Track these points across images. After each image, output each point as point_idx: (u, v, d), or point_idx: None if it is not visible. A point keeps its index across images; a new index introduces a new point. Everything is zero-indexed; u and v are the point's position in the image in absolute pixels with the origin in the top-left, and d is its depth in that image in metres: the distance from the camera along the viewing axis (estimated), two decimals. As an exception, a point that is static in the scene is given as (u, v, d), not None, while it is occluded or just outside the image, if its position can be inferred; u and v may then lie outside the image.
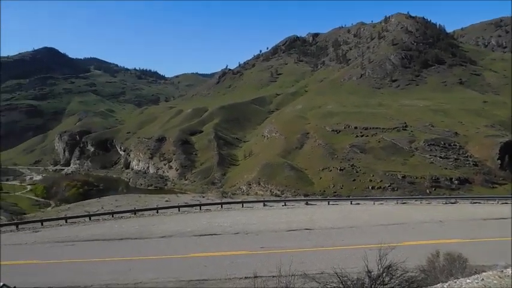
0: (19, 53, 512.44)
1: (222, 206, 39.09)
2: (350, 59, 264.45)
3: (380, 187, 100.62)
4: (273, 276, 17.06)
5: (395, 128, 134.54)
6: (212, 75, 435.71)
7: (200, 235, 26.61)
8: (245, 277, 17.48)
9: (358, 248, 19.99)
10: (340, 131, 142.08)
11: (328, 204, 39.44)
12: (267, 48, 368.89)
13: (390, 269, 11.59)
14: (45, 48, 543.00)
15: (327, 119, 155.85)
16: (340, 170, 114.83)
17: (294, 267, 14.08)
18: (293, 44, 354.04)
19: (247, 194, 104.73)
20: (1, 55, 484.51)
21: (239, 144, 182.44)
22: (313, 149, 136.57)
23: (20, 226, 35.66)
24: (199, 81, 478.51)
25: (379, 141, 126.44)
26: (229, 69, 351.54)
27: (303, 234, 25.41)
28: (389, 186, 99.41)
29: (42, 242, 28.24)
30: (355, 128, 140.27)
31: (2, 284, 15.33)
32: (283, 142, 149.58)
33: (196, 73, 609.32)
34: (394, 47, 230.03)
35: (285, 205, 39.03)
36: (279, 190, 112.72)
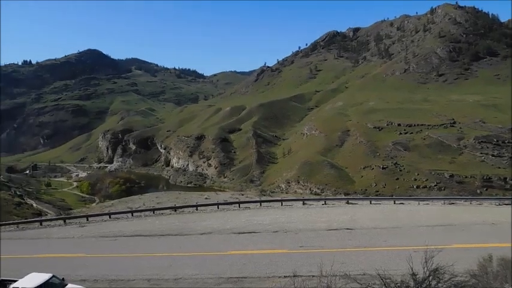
0: (65, 56, 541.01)
1: (261, 204, 39.14)
2: (393, 54, 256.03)
3: (425, 186, 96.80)
4: (313, 276, 16.84)
5: (442, 124, 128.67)
6: (250, 73, 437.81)
7: (239, 233, 26.76)
8: (284, 276, 17.36)
9: (402, 249, 19.30)
10: (382, 128, 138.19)
11: (370, 203, 38.40)
12: (306, 45, 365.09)
13: (437, 272, 11.07)
14: (90, 50, 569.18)
15: (369, 115, 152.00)
16: (382, 168, 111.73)
17: (334, 267, 13.83)
18: (333, 40, 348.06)
19: (286, 192, 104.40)
20: (49, 58, 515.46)
21: (278, 142, 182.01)
22: (354, 147, 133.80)
23: (67, 221, 37.60)
24: (237, 79, 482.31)
25: (424, 139, 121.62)
26: (268, 67, 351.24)
27: (343, 234, 24.88)
28: (435, 185, 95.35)
29: (88, 237, 29.60)
30: (399, 125, 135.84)
31: (51, 275, 16.24)
32: (323, 140, 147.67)
33: (235, 71, 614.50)
34: (441, 40, 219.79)
35: (325, 204, 38.45)
36: (318, 188, 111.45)
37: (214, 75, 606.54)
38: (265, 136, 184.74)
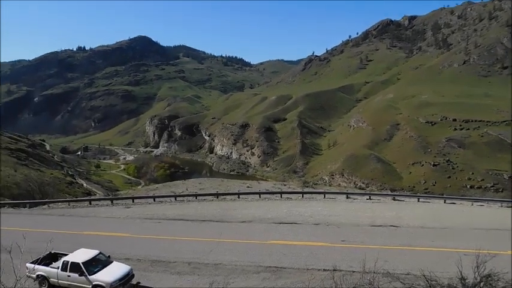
0: (117, 42, 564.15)
1: (303, 196, 38.92)
2: (452, 44, 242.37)
3: (480, 187, 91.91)
4: (353, 272, 16.60)
5: (505, 121, 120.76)
6: (298, 62, 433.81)
7: (280, 223, 26.83)
8: (324, 269, 17.25)
9: (451, 251, 18.49)
10: (435, 123, 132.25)
11: (418, 201, 36.98)
12: (357, 34, 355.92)
13: (490, 278, 10.48)
14: (140, 37, 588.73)
15: (421, 109, 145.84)
16: (433, 165, 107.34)
17: (377, 264, 13.51)
18: (386, 29, 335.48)
19: (330, 185, 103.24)
20: (101, 44, 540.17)
21: (323, 134, 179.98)
22: (403, 142, 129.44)
23: (114, 201, 39.51)
24: (284, 68, 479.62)
25: (482, 136, 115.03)
26: (316, 56, 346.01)
27: (388, 231, 24.21)
28: (492, 186, 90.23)
29: (133, 218, 30.95)
30: (454, 120, 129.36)
31: (98, 251, 17.21)
32: (370, 133, 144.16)
33: (282, 60, 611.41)
34: (509, 29, 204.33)
35: (370, 199, 37.53)
36: (363, 183, 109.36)
37: (261, 63, 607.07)
38: (310, 127, 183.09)
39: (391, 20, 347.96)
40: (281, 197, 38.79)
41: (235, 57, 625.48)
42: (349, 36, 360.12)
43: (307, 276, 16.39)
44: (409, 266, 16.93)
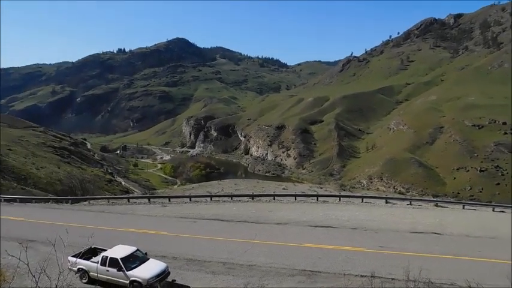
0: (155, 44, 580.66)
1: (340, 199, 38.30)
2: (502, 43, 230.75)
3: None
4: (392, 279, 16.14)
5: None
6: (335, 63, 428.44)
7: (315, 226, 26.53)
8: (361, 275, 16.87)
9: (501, 263, 17.57)
10: (483, 126, 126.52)
11: (463, 208, 35.39)
12: (398, 34, 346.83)
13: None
14: (177, 38, 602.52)
15: (467, 112, 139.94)
16: (480, 171, 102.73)
17: (418, 272, 13.09)
18: (429, 28, 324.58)
19: (368, 189, 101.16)
20: (140, 46, 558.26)
21: (361, 136, 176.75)
22: (447, 146, 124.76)
23: (151, 200, 40.56)
24: (321, 69, 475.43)
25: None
26: (355, 57, 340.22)
27: (430, 238, 23.34)
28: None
29: (169, 216, 31.63)
30: (504, 123, 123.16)
31: (136, 248, 17.70)
32: (411, 136, 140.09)
33: (319, 61, 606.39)
34: None
35: (410, 204, 36.35)
36: (403, 188, 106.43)
37: (298, 64, 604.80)
38: (348, 129, 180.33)
39: (434, 19, 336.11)
40: (317, 200, 38.34)
41: (272, 58, 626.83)
42: (390, 37, 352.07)
43: (344, 282, 16.10)
44: (454, 276, 16.25)
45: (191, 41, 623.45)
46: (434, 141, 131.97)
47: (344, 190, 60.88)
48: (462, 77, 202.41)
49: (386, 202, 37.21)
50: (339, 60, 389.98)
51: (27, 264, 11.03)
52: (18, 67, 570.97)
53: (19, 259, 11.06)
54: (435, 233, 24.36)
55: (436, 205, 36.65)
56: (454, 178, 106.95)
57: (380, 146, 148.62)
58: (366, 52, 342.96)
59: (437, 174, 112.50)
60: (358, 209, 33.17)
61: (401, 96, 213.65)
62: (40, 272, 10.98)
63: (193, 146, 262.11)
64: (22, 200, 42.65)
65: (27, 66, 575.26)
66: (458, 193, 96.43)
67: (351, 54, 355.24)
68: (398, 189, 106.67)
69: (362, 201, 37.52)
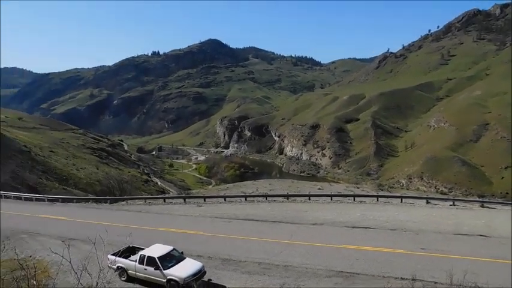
0: (188, 46, 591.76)
1: (377, 199, 37.45)
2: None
3: None
4: (435, 283, 15.64)
5: None
6: (371, 59, 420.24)
7: (353, 227, 26.09)
8: (401, 278, 16.43)
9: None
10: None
11: (512, 209, 33.73)
12: (438, 27, 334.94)
13: None
14: (210, 40, 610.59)
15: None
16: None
17: (462, 276, 12.61)
18: (472, 20, 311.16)
19: (407, 189, 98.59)
20: (174, 48, 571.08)
21: (399, 134, 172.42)
22: (493, 143, 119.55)
23: (186, 200, 41.31)
24: (356, 67, 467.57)
25: None
26: (391, 53, 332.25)
27: (475, 241, 22.37)
28: None
29: (204, 216, 32.07)
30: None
31: (172, 247, 18.08)
32: (453, 133, 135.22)
33: (354, 58, 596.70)
34: None
35: (454, 205, 35.00)
36: (445, 187, 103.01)
37: (332, 62, 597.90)
38: (385, 127, 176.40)
39: (478, 10, 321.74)
40: (354, 200, 37.72)
41: (305, 56, 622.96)
42: (429, 31, 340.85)
43: (383, 284, 15.74)
44: (503, 281, 15.51)
45: (224, 41, 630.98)
46: (479, 139, 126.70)
47: (382, 190, 59.58)
48: (509, 70, 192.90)
49: (428, 202, 36.03)
50: (375, 57, 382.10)
51: (70, 262, 11.48)
52: (58, 72, 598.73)
53: (62, 256, 11.54)
54: (481, 235, 23.32)
55: (482, 206, 35.12)
56: (502, 177, 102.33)
57: (420, 145, 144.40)
58: (404, 48, 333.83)
59: (483, 174, 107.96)
60: (397, 210, 32.33)
61: (441, 93, 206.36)
62: (82, 269, 11.40)
63: (227, 146, 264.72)
64: (64, 200, 44.64)
65: (67, 71, 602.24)
66: (507, 193, 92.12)
67: (388, 50, 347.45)
68: (440, 189, 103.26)
69: (401, 201, 36.53)
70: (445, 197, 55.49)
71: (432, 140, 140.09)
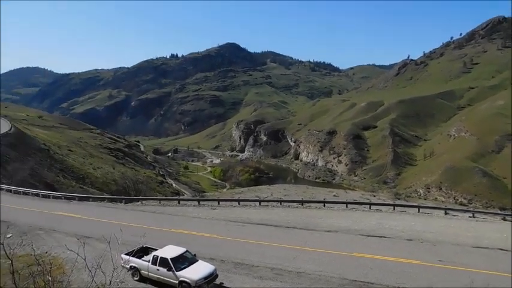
0: (206, 49, 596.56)
1: (394, 208, 36.91)
2: None
3: None
4: (453, 296, 15.29)
5: None
6: (391, 66, 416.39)
7: (368, 235, 25.76)
8: (418, 289, 16.15)
9: None
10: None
11: (535, 223, 32.81)
12: (460, 35, 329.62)
13: None
14: (228, 44, 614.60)
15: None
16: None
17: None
18: (497, 27, 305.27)
19: (425, 199, 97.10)
20: (192, 51, 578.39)
21: (418, 143, 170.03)
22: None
23: (201, 203, 41.47)
24: (375, 73, 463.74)
25: None
26: (412, 60, 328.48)
27: (496, 255, 21.80)
28: None
29: (218, 219, 32.11)
30: None
31: (185, 249, 18.18)
32: (474, 143, 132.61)
33: (373, 64, 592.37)
34: None
35: (473, 217, 34.20)
36: (465, 198, 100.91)
37: (351, 68, 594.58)
38: (403, 135, 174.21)
39: (504, 18, 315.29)
40: (370, 208, 37.24)
41: (324, 62, 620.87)
42: (451, 38, 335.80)
43: (398, 295, 15.50)
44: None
45: (242, 45, 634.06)
46: (502, 150, 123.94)
47: (399, 199, 58.80)
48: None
49: (446, 213, 35.32)
50: (395, 64, 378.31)
51: (85, 260, 11.65)
52: (78, 72, 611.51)
53: (77, 254, 11.72)
54: (503, 250, 22.73)
55: (504, 219, 34.24)
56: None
57: (439, 154, 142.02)
58: (425, 55, 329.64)
59: (505, 185, 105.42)
60: (414, 220, 31.80)
61: (463, 101, 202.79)
62: (96, 267, 11.55)
63: (242, 150, 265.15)
64: (80, 198, 45.39)
65: (86, 71, 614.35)
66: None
67: (408, 57, 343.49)
68: (459, 200, 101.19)
69: (418, 211, 35.92)
70: (465, 208, 54.32)
71: (452, 150, 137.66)
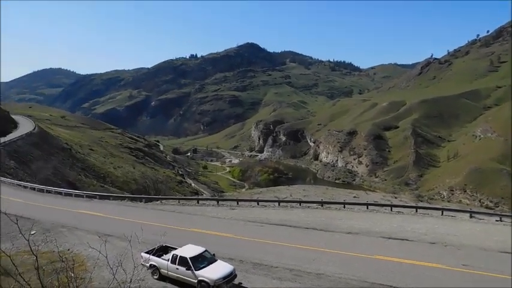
0: (225, 50, 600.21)
1: (416, 210, 36.27)
2: None
3: None
4: (478, 301, 14.94)
5: None
6: (413, 65, 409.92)
7: (389, 238, 25.39)
8: (441, 294, 15.84)
9: None
10: None
11: None
12: (487, 32, 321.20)
13: None
14: (247, 44, 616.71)
15: None
16: None
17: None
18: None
19: (448, 201, 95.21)
20: (211, 52, 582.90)
21: (441, 144, 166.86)
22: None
23: (220, 202, 41.66)
24: (397, 73, 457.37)
25: None
26: (435, 59, 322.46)
27: (523, 260, 21.19)
28: None
29: (237, 219, 32.20)
30: None
31: (204, 249, 18.32)
32: (501, 145, 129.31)
33: (395, 64, 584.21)
34: None
35: (500, 221, 33.27)
36: (491, 201, 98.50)
37: (372, 68, 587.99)
38: (426, 136, 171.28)
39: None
40: (391, 210, 36.72)
41: (344, 61, 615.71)
42: (477, 36, 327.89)
43: (420, 299, 15.24)
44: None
45: (261, 45, 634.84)
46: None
47: (421, 201, 57.80)
48: None
49: (471, 216, 34.50)
50: (417, 63, 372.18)
51: (106, 257, 11.87)
52: (100, 73, 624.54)
53: (99, 251, 11.95)
54: (530, 255, 22.07)
55: (532, 223, 33.25)
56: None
57: (463, 155, 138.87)
58: (449, 53, 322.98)
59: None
60: (437, 222, 31.18)
61: (489, 101, 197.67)
62: (117, 265, 11.75)
63: (261, 150, 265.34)
64: (101, 197, 46.28)
65: (107, 72, 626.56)
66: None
67: (431, 56, 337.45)
68: (485, 203, 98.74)
69: (442, 213, 35.18)
70: (491, 211, 52.92)
71: (477, 151, 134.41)
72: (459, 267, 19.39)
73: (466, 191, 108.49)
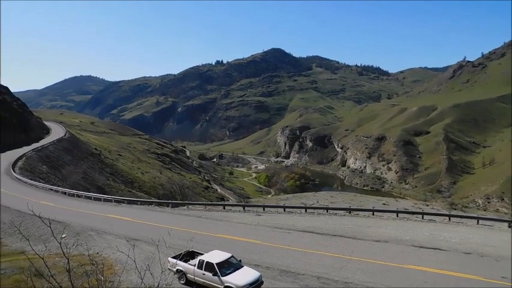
0: (251, 55, 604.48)
1: (449, 219, 35.20)
2: None
3: None
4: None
5: None
6: (445, 69, 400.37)
7: (420, 246, 24.72)
8: (476, 306, 15.25)
9: None
10: None
11: None
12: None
13: None
14: (273, 49, 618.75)
15: None
16: None
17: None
18: None
19: (484, 210, 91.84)
20: (237, 58, 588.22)
21: (476, 150, 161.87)
22: None
23: (246, 208, 41.72)
24: (427, 76, 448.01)
25: None
26: (468, 61, 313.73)
27: None
28: None
29: (263, 226, 32.12)
30: None
31: (231, 255, 18.36)
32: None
33: (425, 67, 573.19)
34: None
35: (540, 231, 31.94)
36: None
37: (401, 72, 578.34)
38: (459, 141, 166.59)
39: None
40: (422, 218, 35.78)
41: (372, 66, 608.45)
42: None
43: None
44: None
45: (287, 51, 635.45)
46: None
47: (455, 209, 56.02)
48: None
49: (510, 226, 33.20)
50: (449, 66, 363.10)
51: (134, 261, 12.09)
52: (128, 80, 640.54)
53: (128, 255, 12.18)
54: None
55: None
56: None
57: (500, 162, 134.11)
58: (483, 56, 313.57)
59: None
60: (472, 232, 30.12)
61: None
62: (145, 269, 11.94)
63: (288, 156, 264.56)
64: (129, 202, 47.29)
65: (135, 79, 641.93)
66: None
67: (464, 58, 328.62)
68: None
69: (477, 222, 34.00)
70: (529, 221, 50.68)
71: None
72: (497, 280, 18.65)
73: (503, 199, 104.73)
